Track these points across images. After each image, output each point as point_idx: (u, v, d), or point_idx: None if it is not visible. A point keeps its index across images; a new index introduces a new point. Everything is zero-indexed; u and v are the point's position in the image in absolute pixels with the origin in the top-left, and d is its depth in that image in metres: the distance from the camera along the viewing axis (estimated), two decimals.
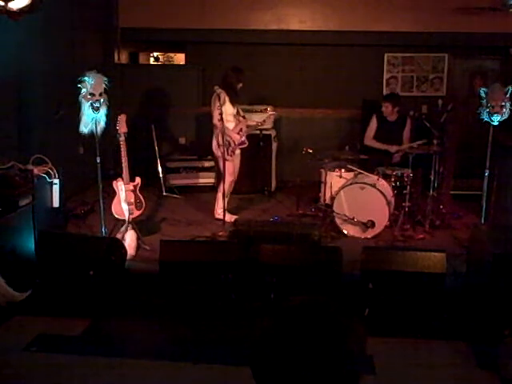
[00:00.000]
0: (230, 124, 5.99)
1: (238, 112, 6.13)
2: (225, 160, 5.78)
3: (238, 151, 6.13)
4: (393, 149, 6.51)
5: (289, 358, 1.15)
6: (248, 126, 6.25)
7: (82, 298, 4.34)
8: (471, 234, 4.98)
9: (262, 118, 6.61)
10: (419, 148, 6.07)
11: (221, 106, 5.67)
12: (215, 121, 5.83)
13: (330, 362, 1.14)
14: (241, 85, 6.07)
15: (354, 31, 8.06)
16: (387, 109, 6.62)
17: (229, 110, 5.94)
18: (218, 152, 5.98)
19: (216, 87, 5.81)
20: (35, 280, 4.51)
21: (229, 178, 5.97)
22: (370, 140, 6.76)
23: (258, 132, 7.52)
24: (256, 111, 7.60)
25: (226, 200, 5.98)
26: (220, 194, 5.98)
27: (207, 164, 7.68)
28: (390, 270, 4.33)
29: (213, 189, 7.47)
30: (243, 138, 6.11)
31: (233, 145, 5.98)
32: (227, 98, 5.88)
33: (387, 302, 4.26)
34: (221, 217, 5.88)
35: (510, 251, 4.10)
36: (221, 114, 5.66)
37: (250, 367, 1.20)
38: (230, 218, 5.90)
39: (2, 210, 4.37)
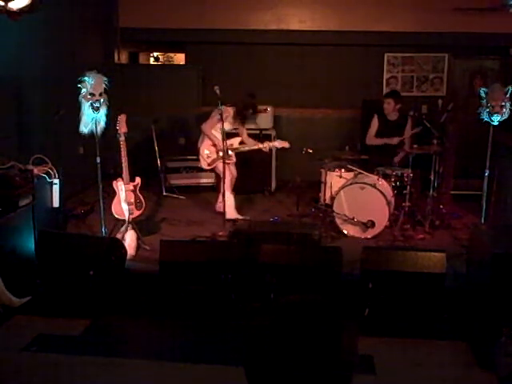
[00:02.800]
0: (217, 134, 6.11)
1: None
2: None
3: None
4: (394, 141, 6.47)
5: (280, 356, 1.15)
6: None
7: (82, 298, 4.34)
8: (471, 233, 4.98)
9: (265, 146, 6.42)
10: (419, 148, 6.07)
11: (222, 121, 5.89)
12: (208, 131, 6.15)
13: (321, 359, 1.14)
14: (250, 111, 6.33)
15: (354, 31, 8.06)
16: (389, 105, 6.55)
17: (225, 127, 6.01)
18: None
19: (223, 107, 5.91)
20: (34, 284, 4.50)
21: (227, 177, 6.13)
22: (371, 139, 6.73)
23: (257, 132, 7.52)
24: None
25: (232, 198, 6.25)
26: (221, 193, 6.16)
27: None
28: (390, 269, 4.33)
29: (213, 189, 7.47)
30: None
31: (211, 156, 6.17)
32: (231, 117, 6.16)
33: (387, 302, 4.25)
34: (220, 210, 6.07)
35: (510, 251, 4.10)
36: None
37: (244, 367, 1.19)
38: (233, 215, 6.11)
39: (1, 210, 4.37)
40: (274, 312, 1.23)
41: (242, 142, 6.40)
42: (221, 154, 6.03)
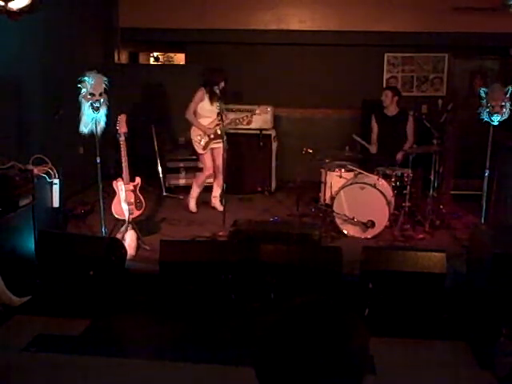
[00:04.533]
0: (206, 120, 6.34)
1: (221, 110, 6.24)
2: (198, 154, 6.47)
3: (216, 145, 6.40)
4: (399, 156, 6.43)
5: (294, 357, 1.14)
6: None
7: (82, 298, 4.34)
8: (471, 233, 4.98)
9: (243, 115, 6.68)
10: (419, 148, 6.07)
11: (196, 102, 6.29)
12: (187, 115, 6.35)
13: (334, 360, 1.14)
14: (222, 84, 6.34)
15: (354, 31, 8.06)
16: (387, 97, 6.54)
17: (206, 106, 6.32)
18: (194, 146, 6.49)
19: (215, 87, 5.98)
20: (35, 283, 4.50)
21: (204, 172, 6.51)
22: (376, 148, 6.68)
23: (257, 132, 7.53)
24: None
25: (198, 191, 6.59)
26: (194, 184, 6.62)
27: None
28: (390, 269, 4.32)
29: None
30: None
31: (203, 139, 6.35)
32: (206, 96, 6.31)
33: (387, 302, 4.25)
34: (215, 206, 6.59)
35: (510, 251, 4.10)
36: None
37: (254, 367, 1.19)
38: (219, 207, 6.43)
39: (1, 210, 4.37)
40: (285, 312, 1.22)
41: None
42: (212, 136, 6.32)
